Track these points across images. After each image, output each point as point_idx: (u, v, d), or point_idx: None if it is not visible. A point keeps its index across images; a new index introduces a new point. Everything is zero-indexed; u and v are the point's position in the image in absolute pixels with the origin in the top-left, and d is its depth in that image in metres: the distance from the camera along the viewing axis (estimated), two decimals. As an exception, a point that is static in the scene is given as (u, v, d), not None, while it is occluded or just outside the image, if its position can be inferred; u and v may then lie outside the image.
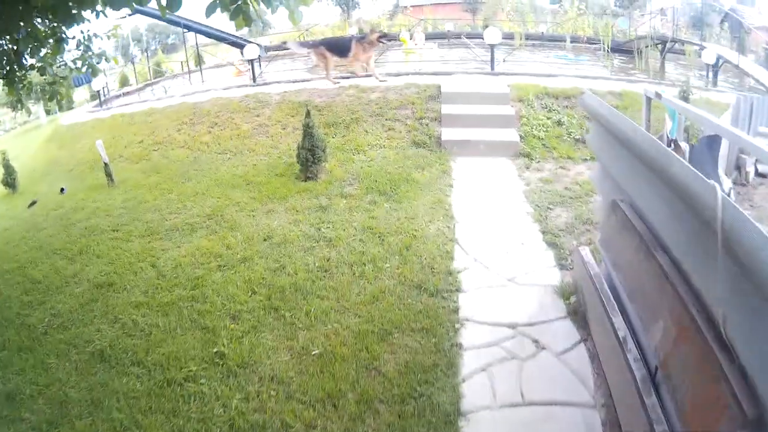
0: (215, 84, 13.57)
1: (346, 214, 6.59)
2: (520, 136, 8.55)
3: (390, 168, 7.80)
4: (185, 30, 20.03)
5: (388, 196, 6.98)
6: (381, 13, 33.63)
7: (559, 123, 8.89)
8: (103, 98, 15.79)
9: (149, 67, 22.43)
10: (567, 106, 9.26)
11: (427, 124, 8.93)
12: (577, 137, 8.59)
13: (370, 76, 10.97)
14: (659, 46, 19.70)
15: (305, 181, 7.66)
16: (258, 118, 9.94)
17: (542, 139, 8.53)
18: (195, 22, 20.31)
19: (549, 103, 9.27)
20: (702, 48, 16.72)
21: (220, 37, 20.09)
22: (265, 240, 6.06)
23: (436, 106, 9.28)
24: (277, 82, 11.74)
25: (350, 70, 11.46)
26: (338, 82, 10.77)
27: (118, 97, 18.57)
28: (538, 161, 8.09)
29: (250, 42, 20.34)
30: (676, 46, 19.12)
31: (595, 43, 22.05)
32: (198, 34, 20.50)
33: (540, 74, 10.96)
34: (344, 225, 6.29)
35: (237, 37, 21.05)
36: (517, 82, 10.00)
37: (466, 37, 20.68)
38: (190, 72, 19.88)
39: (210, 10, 3.78)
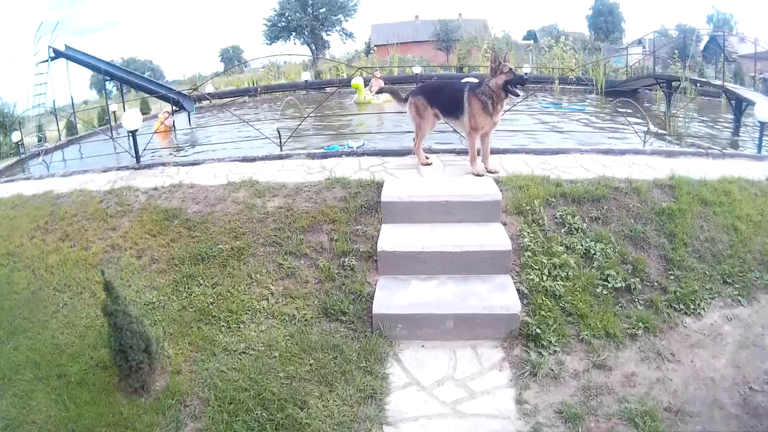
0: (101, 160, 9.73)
1: None
2: (522, 294, 4.53)
3: (270, 379, 3.89)
4: (107, 78, 16.13)
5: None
6: (344, 55, 29.90)
7: (587, 256, 4.90)
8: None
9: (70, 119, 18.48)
10: (596, 219, 5.27)
11: (351, 269, 4.87)
12: (618, 285, 4.66)
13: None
14: (662, 87, 16.16)
15: (130, 394, 3.95)
16: (113, 234, 5.99)
17: (560, 296, 4.51)
18: (118, 68, 16.56)
19: (567, 215, 5.24)
20: (723, 89, 12.95)
21: (143, 88, 16.14)
22: None
23: (371, 227, 5.22)
24: (162, 165, 7.77)
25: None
26: (429, 162, 6.41)
27: (35, 156, 14.76)
28: (554, 351, 4.10)
29: (184, 94, 16.49)
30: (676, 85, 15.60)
31: (586, 84, 18.49)
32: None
33: (542, 150, 6.87)
34: None
35: (166, 87, 17.15)
36: (512, 170, 5.97)
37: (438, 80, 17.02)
38: (111, 129, 15.85)
39: None
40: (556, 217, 5.24)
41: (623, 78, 20.00)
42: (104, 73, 15.87)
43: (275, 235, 5.29)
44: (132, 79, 16.49)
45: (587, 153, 6.67)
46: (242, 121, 8.53)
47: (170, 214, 5.91)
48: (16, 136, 15.30)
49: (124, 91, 18.00)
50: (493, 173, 5.92)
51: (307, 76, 20.48)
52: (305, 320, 4.49)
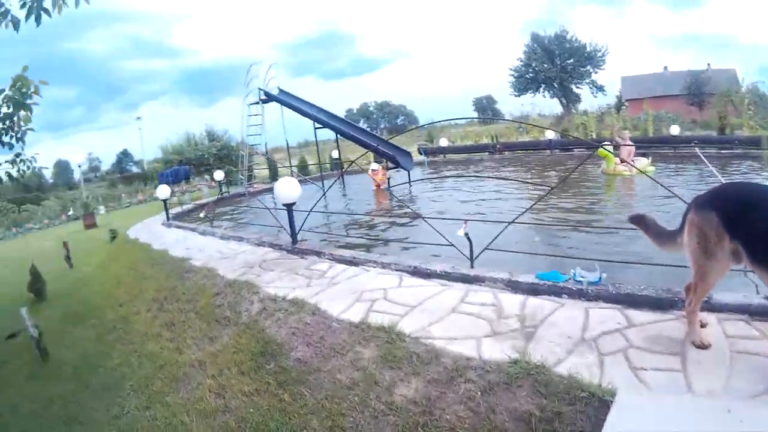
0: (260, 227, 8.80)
1: None
2: None
3: None
4: (318, 126, 15.21)
5: None
6: (595, 109, 25.70)
7: None
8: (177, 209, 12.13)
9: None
10: None
11: None
12: None
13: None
14: None
15: None
16: (208, 347, 4.84)
17: None
18: (330, 114, 15.31)
19: None
20: None
21: (352, 138, 14.67)
22: None
23: None
24: (317, 254, 6.31)
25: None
26: (707, 343, 3.05)
27: (241, 195, 14.45)
28: None
29: (400, 150, 14.52)
30: None
31: None
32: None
33: None
34: None
35: (379, 139, 15.58)
36: None
37: (697, 145, 12.99)
38: (323, 178, 14.77)
39: None
40: None
41: None
42: (313, 119, 14.89)
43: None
44: (341, 128, 15.10)
45: None
46: (418, 215, 6.12)
47: (269, 351, 4.24)
48: (218, 175, 15.19)
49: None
50: None
51: (551, 134, 17.60)
52: None
